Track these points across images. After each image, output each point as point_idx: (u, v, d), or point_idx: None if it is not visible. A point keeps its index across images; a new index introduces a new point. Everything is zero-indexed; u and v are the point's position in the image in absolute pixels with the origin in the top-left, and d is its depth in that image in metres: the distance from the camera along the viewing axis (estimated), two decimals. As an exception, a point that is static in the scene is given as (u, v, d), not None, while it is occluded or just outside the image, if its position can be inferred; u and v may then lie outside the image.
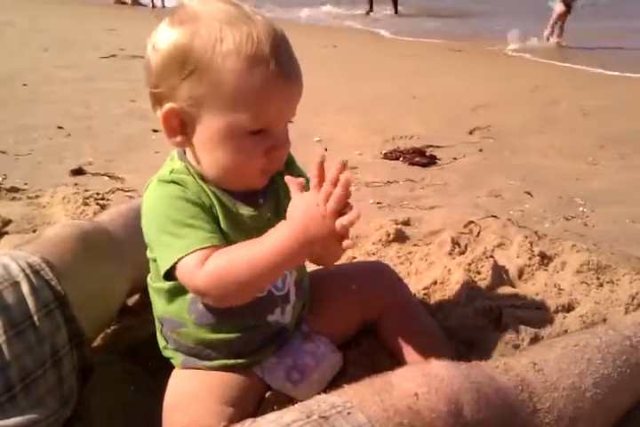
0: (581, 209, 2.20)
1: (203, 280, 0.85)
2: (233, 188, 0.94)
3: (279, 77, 0.84)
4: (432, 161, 2.76)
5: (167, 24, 0.87)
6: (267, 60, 0.83)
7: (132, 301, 1.35)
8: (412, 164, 2.72)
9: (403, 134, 3.16)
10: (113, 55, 5.32)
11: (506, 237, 1.77)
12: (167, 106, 0.87)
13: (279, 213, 0.96)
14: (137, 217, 0.96)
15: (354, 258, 1.64)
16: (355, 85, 4.48)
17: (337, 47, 6.64)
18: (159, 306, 1.01)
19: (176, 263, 0.86)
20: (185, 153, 0.95)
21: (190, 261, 0.85)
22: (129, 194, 2.16)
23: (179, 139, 0.90)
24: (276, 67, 0.84)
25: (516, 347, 1.23)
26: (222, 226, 0.91)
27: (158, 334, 1.05)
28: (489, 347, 1.24)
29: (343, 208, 0.79)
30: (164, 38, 0.86)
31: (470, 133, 3.26)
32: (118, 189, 2.19)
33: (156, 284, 0.99)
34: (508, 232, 1.82)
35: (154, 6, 11.28)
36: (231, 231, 0.92)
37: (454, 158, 2.81)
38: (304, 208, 0.81)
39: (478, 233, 1.84)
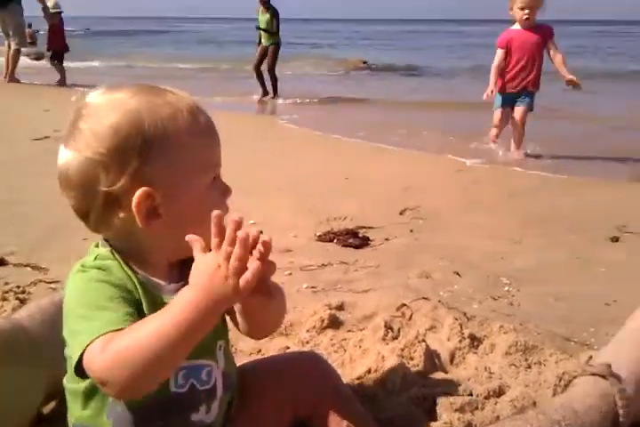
0: (507, 289, 2.28)
1: (102, 365, 0.79)
2: (180, 257, 0.94)
3: (211, 126, 0.95)
4: (365, 242, 2.83)
5: (96, 121, 0.89)
6: (197, 118, 0.93)
7: (48, 408, 1.26)
8: (346, 245, 2.78)
9: (336, 215, 3.24)
10: (46, 137, 5.28)
11: (437, 319, 1.81)
12: (138, 193, 0.87)
13: None
14: (58, 313, 0.91)
15: (287, 348, 1.63)
16: (287, 167, 4.60)
17: (269, 129, 6.84)
18: (75, 411, 0.94)
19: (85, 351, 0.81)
20: (103, 241, 0.96)
21: (95, 345, 0.80)
22: (52, 286, 2.08)
23: (157, 222, 0.90)
24: (206, 119, 0.94)
25: (450, 436, 1.24)
26: (146, 313, 0.88)
27: None
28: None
29: (246, 266, 0.80)
30: (101, 132, 0.87)
31: (401, 214, 3.37)
32: (41, 281, 2.10)
33: (71, 384, 0.93)
34: (438, 314, 1.86)
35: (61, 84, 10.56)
36: None
37: (386, 239, 2.89)
38: (206, 270, 0.81)
39: (410, 316, 1.87)
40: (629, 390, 1.21)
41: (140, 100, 0.89)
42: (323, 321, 1.77)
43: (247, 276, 0.79)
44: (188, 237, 0.85)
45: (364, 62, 16.83)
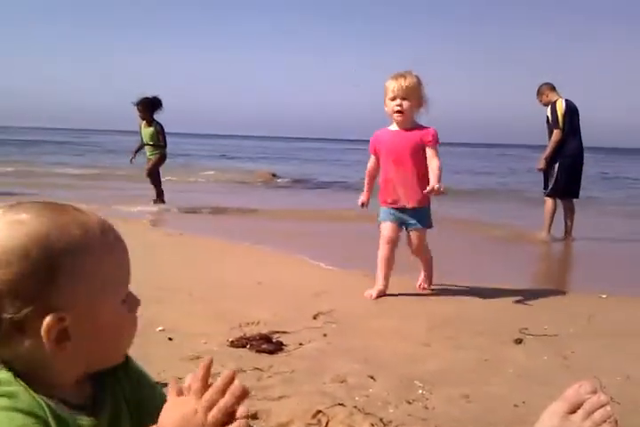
0: (421, 391, 2.30)
1: None
2: (114, 361, 0.90)
3: (121, 243, 0.90)
4: (279, 347, 2.79)
5: (7, 241, 0.80)
6: (108, 236, 0.88)
7: None
8: (259, 351, 2.72)
9: (249, 321, 3.19)
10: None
11: (353, 426, 1.79)
12: (48, 319, 0.79)
13: (119, 418, 0.90)
14: None
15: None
16: (198, 272, 4.55)
17: (182, 235, 6.81)
18: None
19: None
20: (5, 361, 0.84)
21: None
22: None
23: (68, 345, 0.82)
24: (116, 237, 0.89)
25: None
26: None
27: None
28: None
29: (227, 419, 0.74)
30: (11, 258, 0.79)
31: (314, 318, 3.37)
32: None
33: None
34: (355, 420, 1.84)
35: None
36: None
37: (300, 344, 2.86)
38: (179, 416, 0.75)
39: (327, 423, 1.84)
40: None
41: (46, 221, 0.83)
42: (236, 431, 1.69)
43: None
44: (169, 386, 0.81)
45: (273, 175, 17.43)
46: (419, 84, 3.95)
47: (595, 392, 1.17)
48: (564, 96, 7.10)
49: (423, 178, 3.92)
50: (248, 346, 2.77)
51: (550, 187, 7.10)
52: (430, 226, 4.25)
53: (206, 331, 2.99)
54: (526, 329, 3.23)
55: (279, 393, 2.17)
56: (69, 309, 0.81)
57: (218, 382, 0.77)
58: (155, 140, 9.30)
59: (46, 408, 0.84)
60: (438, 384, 2.37)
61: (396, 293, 4.22)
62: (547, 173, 7.14)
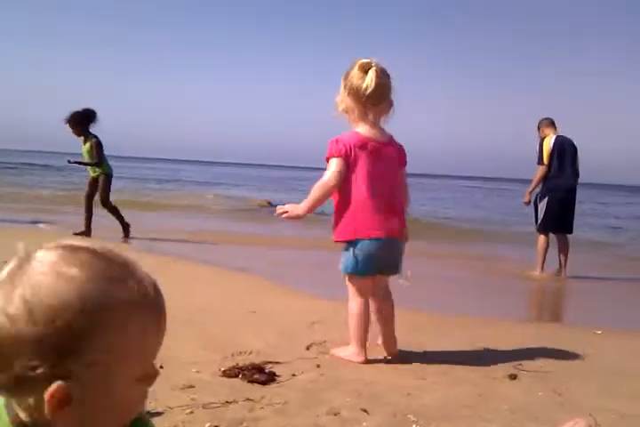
0: (414, 426, 2.27)
1: None
2: None
3: (163, 318, 0.82)
4: (271, 378, 2.76)
5: (32, 292, 0.74)
6: (155, 308, 0.81)
7: None
8: (252, 381, 2.69)
9: (242, 350, 3.16)
10: None
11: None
12: (55, 386, 0.74)
13: None
14: None
15: None
16: (190, 299, 4.52)
17: (176, 261, 6.79)
18: None
19: None
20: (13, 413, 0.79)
21: None
22: None
23: (68, 409, 0.76)
24: (161, 311, 0.82)
25: None
26: None
27: None
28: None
29: None
30: (38, 310, 0.73)
31: (307, 349, 3.34)
32: None
33: None
34: (347, 455, 1.80)
35: None
36: None
37: (293, 375, 2.83)
38: None
39: (319, 457, 1.80)
40: None
41: (95, 286, 0.75)
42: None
43: None
44: None
45: (269, 203, 17.44)
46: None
47: (590, 430, 1.17)
48: (562, 132, 7.22)
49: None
50: (240, 376, 2.73)
51: (539, 222, 7.16)
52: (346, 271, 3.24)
53: (198, 359, 2.96)
54: (521, 365, 3.21)
55: (271, 425, 2.14)
56: (81, 375, 0.75)
57: None
58: (90, 157, 8.28)
59: None
60: (433, 419, 2.34)
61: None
62: (536, 208, 7.22)
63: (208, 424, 2.11)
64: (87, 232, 8.24)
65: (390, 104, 3.11)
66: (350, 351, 3.16)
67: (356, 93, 3.00)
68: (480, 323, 4.48)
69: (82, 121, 8.12)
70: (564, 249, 7.16)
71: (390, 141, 3.15)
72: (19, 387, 0.75)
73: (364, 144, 3.02)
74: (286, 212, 3.16)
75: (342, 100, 3.09)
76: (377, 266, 3.12)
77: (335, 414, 2.33)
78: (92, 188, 8.40)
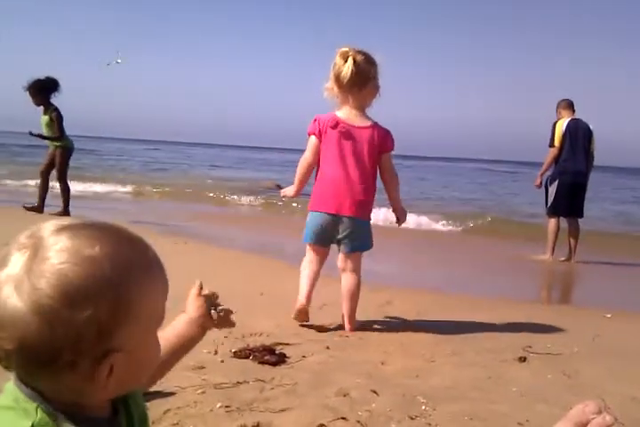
0: (424, 407, 2.28)
1: None
2: (122, 393, 0.87)
3: (164, 272, 0.87)
4: (282, 359, 2.78)
5: (57, 277, 0.73)
6: (162, 272, 0.86)
7: None
8: (262, 362, 2.71)
9: (252, 332, 3.19)
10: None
11: (356, 440, 1.77)
12: (105, 362, 0.76)
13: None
14: None
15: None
16: (202, 281, 4.54)
17: (187, 244, 6.83)
18: None
19: None
20: (32, 393, 0.78)
21: None
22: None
23: (111, 380, 0.78)
24: (163, 270, 0.87)
25: None
26: None
27: None
28: None
29: None
30: (66, 291, 0.72)
31: (318, 331, 3.36)
32: None
33: None
34: (357, 435, 1.82)
35: None
36: None
37: (303, 356, 2.85)
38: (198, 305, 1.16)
39: (329, 437, 1.82)
40: None
41: (121, 260, 0.78)
42: (238, 443, 1.68)
43: None
44: None
45: (277, 185, 17.33)
46: None
47: (599, 413, 1.16)
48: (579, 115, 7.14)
49: None
50: (251, 357, 2.76)
51: (549, 205, 7.12)
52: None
53: (209, 341, 2.98)
54: (530, 347, 3.21)
55: (282, 405, 2.16)
56: (122, 348, 0.78)
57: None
58: (50, 130, 7.78)
59: None
60: (442, 401, 2.36)
61: (400, 307, 4.21)
62: (547, 191, 7.16)
63: (219, 404, 2.13)
64: (39, 207, 8.00)
65: (374, 88, 3.34)
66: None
67: (337, 80, 3.27)
68: (489, 305, 4.48)
69: (43, 90, 7.62)
70: (574, 233, 7.11)
71: (368, 126, 3.33)
72: (64, 370, 0.75)
73: (335, 125, 3.28)
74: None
75: (329, 85, 3.35)
76: (319, 238, 3.42)
77: (344, 395, 2.35)
78: (49, 161, 8.03)
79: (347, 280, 3.49)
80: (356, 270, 3.47)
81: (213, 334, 3.06)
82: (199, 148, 75.67)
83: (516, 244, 8.23)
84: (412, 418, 2.16)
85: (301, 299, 3.44)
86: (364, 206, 3.36)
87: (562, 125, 7.00)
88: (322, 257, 3.50)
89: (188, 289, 1.26)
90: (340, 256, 3.47)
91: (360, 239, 3.41)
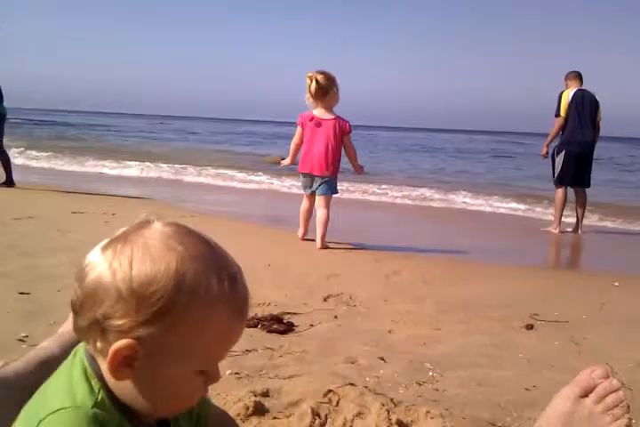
0: (431, 374, 2.30)
1: None
2: (160, 415, 0.87)
3: (243, 322, 0.85)
4: (290, 328, 2.80)
5: (143, 255, 0.79)
6: (241, 308, 0.83)
7: None
8: (271, 331, 2.73)
9: (260, 301, 3.20)
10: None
11: (364, 405, 1.79)
12: (125, 342, 0.77)
13: None
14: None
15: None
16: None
17: (194, 216, 6.84)
18: None
19: None
20: (96, 366, 0.83)
21: None
22: None
23: (126, 372, 0.80)
24: (246, 312, 0.85)
25: None
26: None
27: None
28: None
29: None
30: (141, 272, 0.78)
31: (325, 300, 3.38)
32: None
33: None
34: (365, 400, 1.84)
35: None
36: None
37: (311, 325, 2.87)
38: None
39: (337, 402, 1.84)
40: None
41: (196, 267, 0.80)
42: (247, 408, 1.71)
43: None
44: None
45: (282, 159, 17.14)
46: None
47: (607, 377, 1.16)
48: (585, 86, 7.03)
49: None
50: (259, 326, 2.78)
51: (556, 176, 7.07)
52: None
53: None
54: (537, 315, 3.22)
55: (290, 372, 2.18)
56: (149, 345, 0.78)
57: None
58: None
59: None
60: (449, 367, 2.37)
61: (407, 276, 4.22)
62: (554, 161, 7.10)
63: (229, 371, 2.15)
64: (9, 182, 7.87)
65: (334, 95, 5.22)
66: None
67: (309, 93, 5.19)
68: (496, 274, 4.49)
69: None
70: (581, 203, 7.07)
71: (332, 118, 5.21)
72: (91, 331, 0.79)
73: (311, 119, 5.24)
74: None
75: (307, 96, 5.23)
76: (305, 188, 5.42)
77: (352, 363, 2.36)
78: None
79: (320, 213, 5.24)
80: (327, 207, 5.25)
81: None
82: (187, 121, 75.10)
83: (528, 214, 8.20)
84: (419, 384, 2.18)
85: (300, 230, 5.44)
86: (330, 168, 5.22)
87: (568, 95, 6.92)
88: (310, 200, 5.40)
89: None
90: (317, 198, 5.29)
91: (327, 188, 5.27)
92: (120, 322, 0.77)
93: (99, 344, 0.80)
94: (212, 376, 0.85)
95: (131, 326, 0.77)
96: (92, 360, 0.83)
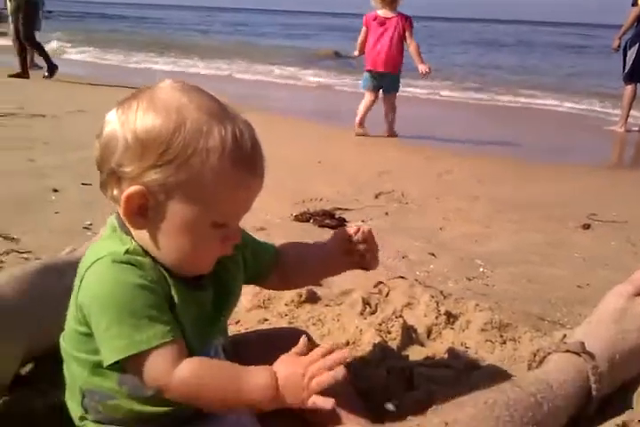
0: (482, 270, 2.31)
1: (175, 384, 0.85)
2: (184, 273, 0.92)
3: (255, 177, 0.89)
4: (341, 223, 2.82)
5: (147, 106, 0.85)
6: (247, 161, 0.86)
7: (24, 370, 1.24)
8: (322, 226, 2.77)
9: (312, 197, 3.22)
10: (12, 114, 5.13)
11: (413, 296, 1.81)
12: (134, 188, 0.84)
13: (220, 291, 0.98)
14: (31, 282, 1.01)
15: (265, 320, 1.61)
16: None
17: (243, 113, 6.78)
18: (80, 377, 0.93)
19: (131, 355, 0.84)
20: (127, 228, 0.91)
21: (157, 358, 0.84)
22: (24, 255, 2.04)
23: (140, 220, 0.87)
24: (254, 167, 0.88)
25: (428, 406, 1.24)
26: (177, 312, 0.89)
27: (74, 405, 0.96)
28: (401, 408, 1.24)
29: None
30: (145, 121, 0.84)
31: (376, 198, 3.37)
32: (13, 251, 2.06)
33: (80, 354, 0.91)
34: (415, 292, 1.86)
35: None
36: (183, 317, 0.90)
37: (362, 221, 2.89)
38: (291, 372, 0.87)
39: (387, 293, 1.87)
40: (601, 367, 1.23)
41: (199, 116, 0.85)
42: (301, 296, 1.76)
43: (319, 403, 0.85)
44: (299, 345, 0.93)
45: (336, 53, 16.49)
46: None
47: (662, 277, 1.13)
48: None
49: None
50: (311, 221, 2.81)
51: (627, 71, 6.57)
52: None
53: (270, 206, 3.03)
54: (595, 215, 3.14)
55: (341, 264, 2.21)
56: (160, 194, 0.84)
57: (329, 360, 0.87)
58: None
59: (171, 282, 0.89)
60: (500, 264, 2.37)
61: (459, 174, 4.14)
62: (625, 55, 6.58)
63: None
64: (24, 73, 7.84)
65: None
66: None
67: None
68: (555, 173, 4.36)
69: None
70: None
71: (394, 16, 5.60)
72: (109, 181, 0.87)
73: (375, 18, 5.65)
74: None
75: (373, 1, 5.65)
76: (368, 84, 5.72)
77: (403, 257, 2.39)
78: (16, 23, 7.55)
79: (387, 106, 5.68)
80: (393, 102, 5.69)
81: (273, 200, 3.15)
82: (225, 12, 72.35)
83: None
84: (469, 279, 2.20)
85: (358, 118, 5.62)
86: (394, 65, 5.61)
87: None
88: (373, 96, 5.68)
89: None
90: (383, 97, 5.69)
91: (391, 85, 5.68)
92: (129, 169, 0.84)
93: (115, 192, 0.87)
94: (229, 235, 0.91)
95: (139, 172, 0.83)
96: (122, 223, 0.91)
